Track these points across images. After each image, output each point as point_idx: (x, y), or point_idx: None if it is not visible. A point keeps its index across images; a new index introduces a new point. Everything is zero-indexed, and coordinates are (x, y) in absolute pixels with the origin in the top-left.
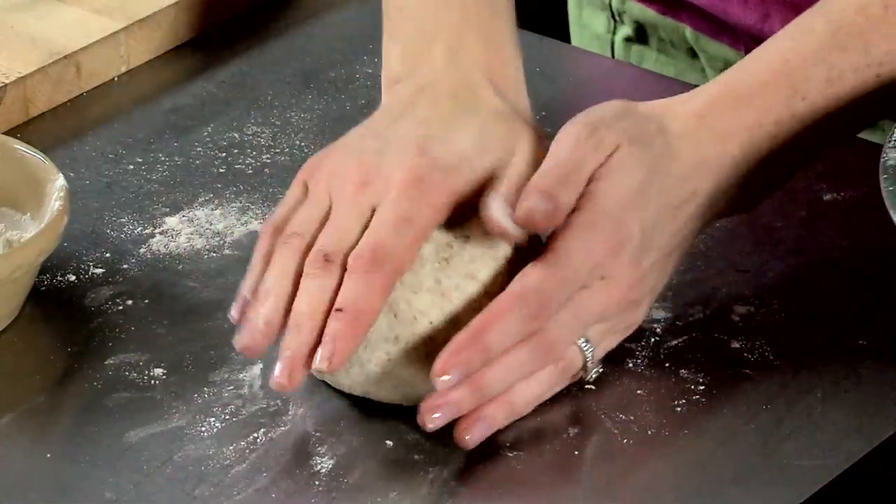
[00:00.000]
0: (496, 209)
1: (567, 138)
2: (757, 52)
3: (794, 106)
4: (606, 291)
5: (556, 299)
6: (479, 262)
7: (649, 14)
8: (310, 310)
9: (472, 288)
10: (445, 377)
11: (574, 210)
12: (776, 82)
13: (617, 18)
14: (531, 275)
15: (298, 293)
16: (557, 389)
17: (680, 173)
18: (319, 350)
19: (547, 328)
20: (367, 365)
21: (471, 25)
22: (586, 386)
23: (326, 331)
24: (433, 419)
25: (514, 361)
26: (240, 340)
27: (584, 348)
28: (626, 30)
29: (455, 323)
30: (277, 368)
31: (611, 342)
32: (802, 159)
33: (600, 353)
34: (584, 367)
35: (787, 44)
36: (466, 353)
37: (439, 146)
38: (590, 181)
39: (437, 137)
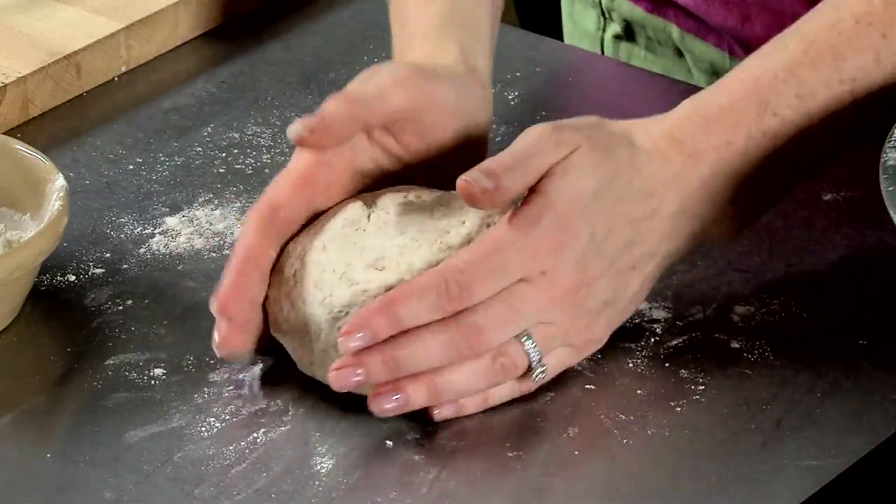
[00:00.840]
0: None
1: (529, 133)
2: (730, 73)
3: (765, 122)
4: (546, 287)
5: (480, 286)
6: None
7: (637, 12)
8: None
9: None
10: (350, 341)
11: (523, 203)
12: (746, 99)
13: (607, 16)
14: (458, 256)
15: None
16: (506, 393)
17: (642, 188)
18: None
19: (475, 313)
20: None
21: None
22: (586, 387)
23: None
24: (336, 377)
25: (433, 341)
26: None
27: (529, 348)
28: (615, 27)
29: None
30: None
31: (566, 356)
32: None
33: (554, 363)
34: (529, 369)
35: (758, 62)
36: (375, 319)
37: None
38: (544, 177)
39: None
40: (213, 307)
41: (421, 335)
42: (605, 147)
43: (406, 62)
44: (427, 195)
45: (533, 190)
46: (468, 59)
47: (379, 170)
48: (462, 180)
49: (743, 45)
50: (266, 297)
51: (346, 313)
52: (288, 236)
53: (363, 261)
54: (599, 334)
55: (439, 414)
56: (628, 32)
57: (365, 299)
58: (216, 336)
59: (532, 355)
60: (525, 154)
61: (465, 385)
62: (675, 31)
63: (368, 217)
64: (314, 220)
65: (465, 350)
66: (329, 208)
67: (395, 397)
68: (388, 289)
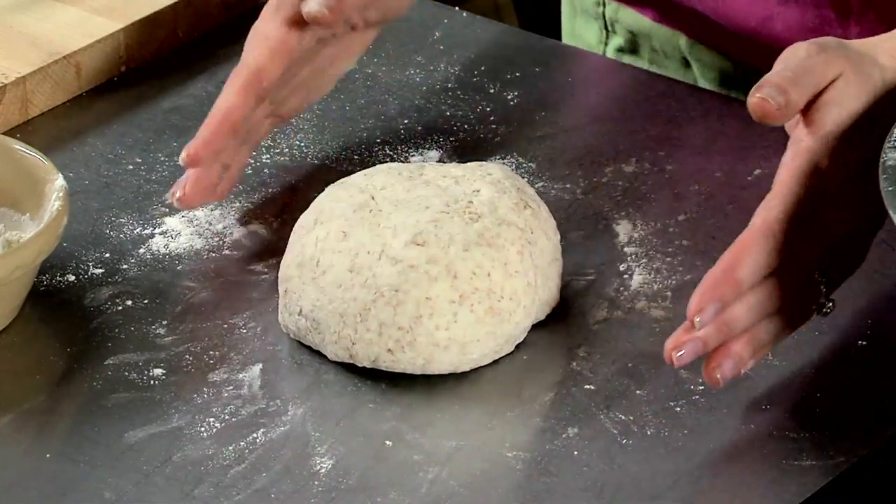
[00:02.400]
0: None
1: (797, 51)
2: None
3: None
4: (836, 220)
5: (797, 229)
6: (501, 207)
7: (644, 23)
8: None
9: (510, 233)
10: (701, 315)
11: (801, 138)
12: None
13: (610, 28)
14: (771, 208)
15: None
16: (797, 326)
17: (893, 104)
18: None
19: (787, 261)
20: (435, 333)
21: None
22: (586, 387)
23: None
24: (679, 357)
25: (758, 297)
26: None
27: (820, 282)
28: (618, 40)
29: (507, 268)
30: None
31: (839, 279)
32: None
33: (831, 289)
34: (820, 303)
35: None
36: (721, 289)
37: None
38: (815, 107)
39: None
40: (182, 159)
41: (748, 295)
42: (862, 71)
43: None
44: (410, 168)
45: (808, 123)
46: None
47: (340, 30)
48: (758, 98)
49: (760, 46)
50: (284, 291)
51: (396, 290)
52: (265, 100)
53: (399, 239)
54: (864, 254)
55: (722, 377)
56: (632, 45)
57: (413, 275)
58: (178, 190)
59: (824, 290)
60: (803, 70)
61: (777, 330)
62: (683, 41)
63: (373, 198)
64: (288, 85)
65: (784, 299)
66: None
67: (730, 362)
68: (432, 261)
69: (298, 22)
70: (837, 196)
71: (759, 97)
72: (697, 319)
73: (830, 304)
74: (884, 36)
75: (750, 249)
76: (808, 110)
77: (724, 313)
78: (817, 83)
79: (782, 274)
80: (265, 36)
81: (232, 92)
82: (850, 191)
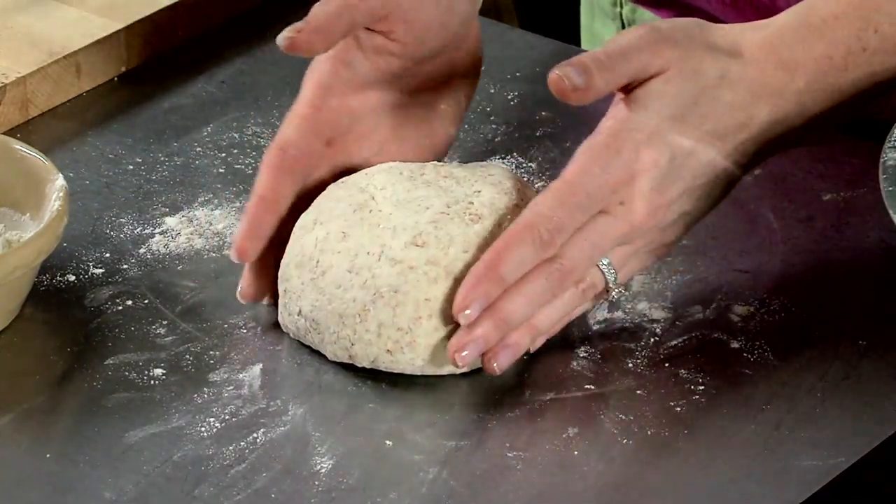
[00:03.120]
0: None
1: (627, 34)
2: None
3: (866, 38)
4: (625, 217)
5: (568, 226)
6: (502, 208)
7: None
8: None
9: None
10: (466, 311)
11: (599, 135)
12: (848, 14)
13: (627, 28)
14: (542, 202)
15: None
16: (581, 310)
17: (731, 102)
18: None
19: (563, 254)
20: (434, 334)
21: None
22: (586, 387)
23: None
24: (462, 357)
25: (533, 290)
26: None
27: (606, 270)
28: None
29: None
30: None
31: (640, 262)
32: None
33: (627, 273)
34: (607, 289)
35: None
36: (483, 286)
37: None
38: (629, 99)
39: None
40: (233, 255)
41: (520, 288)
42: (693, 68)
43: None
44: (411, 168)
45: (611, 118)
46: None
47: (381, 76)
48: (554, 74)
49: None
50: (283, 291)
51: (396, 291)
52: (304, 173)
53: (399, 240)
54: (673, 239)
55: (499, 366)
56: None
57: (412, 276)
58: (241, 284)
59: (609, 276)
60: (620, 55)
61: (557, 316)
62: None
63: (374, 198)
64: (331, 152)
65: (560, 290)
66: (313, 188)
67: (509, 351)
68: (432, 262)
69: (354, 50)
70: (622, 195)
71: (557, 73)
72: (463, 314)
73: (619, 291)
74: (758, 23)
75: (512, 246)
76: (626, 98)
77: (500, 311)
78: (635, 72)
79: (559, 266)
80: (292, 108)
81: (262, 175)
82: (638, 190)
